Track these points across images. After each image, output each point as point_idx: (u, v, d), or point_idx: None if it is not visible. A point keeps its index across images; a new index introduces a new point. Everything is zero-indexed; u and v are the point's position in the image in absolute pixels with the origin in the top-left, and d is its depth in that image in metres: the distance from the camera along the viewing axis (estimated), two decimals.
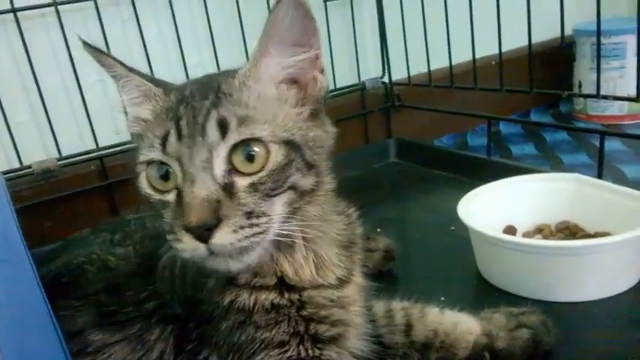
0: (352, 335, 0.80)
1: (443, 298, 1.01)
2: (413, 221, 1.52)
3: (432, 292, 1.04)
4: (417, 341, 0.89)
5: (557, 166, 1.76)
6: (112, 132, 1.55)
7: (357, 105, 2.01)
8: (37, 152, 1.52)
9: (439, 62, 1.83)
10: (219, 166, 0.67)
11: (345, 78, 1.98)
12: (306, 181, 0.72)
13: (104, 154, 1.57)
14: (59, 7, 1.45)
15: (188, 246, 0.65)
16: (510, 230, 1.22)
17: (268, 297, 0.74)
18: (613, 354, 0.89)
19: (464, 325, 0.89)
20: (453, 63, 1.75)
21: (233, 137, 0.67)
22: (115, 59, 0.76)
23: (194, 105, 0.70)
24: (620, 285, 1.02)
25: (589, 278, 1.00)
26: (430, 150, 1.95)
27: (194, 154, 0.66)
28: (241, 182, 0.67)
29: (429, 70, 1.84)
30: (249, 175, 0.67)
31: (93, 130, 1.55)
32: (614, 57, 1.96)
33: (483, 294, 1.10)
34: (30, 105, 1.51)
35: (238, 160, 0.67)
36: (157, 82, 0.78)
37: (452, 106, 1.94)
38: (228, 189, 0.66)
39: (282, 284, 0.76)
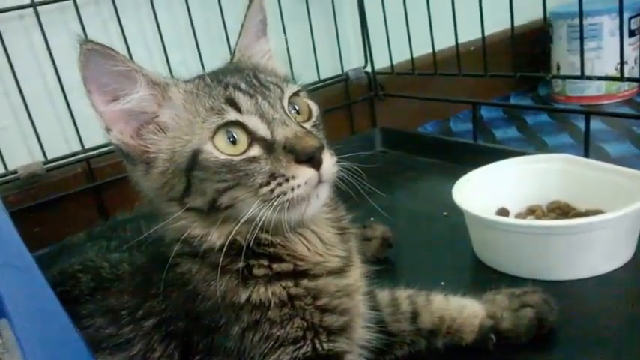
0: (358, 325, 0.81)
1: (443, 283, 1.02)
2: (405, 209, 1.53)
3: (432, 278, 1.06)
4: (424, 328, 0.90)
5: (541, 147, 1.79)
6: (98, 133, 1.53)
7: (342, 96, 2.02)
8: (23, 157, 1.50)
9: (419, 50, 1.85)
10: (290, 113, 0.76)
11: (328, 69, 1.98)
12: None
13: (90, 155, 1.55)
14: (38, 7, 1.43)
15: (303, 178, 0.70)
16: (503, 213, 1.23)
17: (286, 286, 0.74)
18: (613, 328, 0.91)
19: (469, 309, 0.91)
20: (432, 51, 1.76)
21: (288, 90, 0.77)
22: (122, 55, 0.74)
23: (241, 75, 0.77)
24: (616, 261, 1.05)
25: (588, 255, 1.02)
26: (416, 137, 1.97)
27: (274, 105, 0.74)
28: (307, 125, 0.77)
29: (412, 58, 1.84)
30: (303, 122, 0.77)
31: (78, 131, 1.53)
32: (591, 38, 1.98)
33: (482, 277, 1.12)
34: (12, 109, 1.49)
35: (292, 113, 0.77)
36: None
37: (433, 93, 1.96)
38: (304, 128, 0.75)
39: (297, 273, 0.76)
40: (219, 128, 0.72)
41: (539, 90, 2.37)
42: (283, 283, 0.75)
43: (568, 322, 0.92)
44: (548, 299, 0.91)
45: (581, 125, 1.79)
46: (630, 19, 1.97)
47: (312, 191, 0.71)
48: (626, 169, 1.11)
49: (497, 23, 1.60)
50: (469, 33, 1.70)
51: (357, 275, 0.82)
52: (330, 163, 0.72)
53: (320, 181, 0.72)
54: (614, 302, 0.98)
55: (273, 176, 0.70)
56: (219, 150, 0.71)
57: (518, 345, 0.89)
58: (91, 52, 0.70)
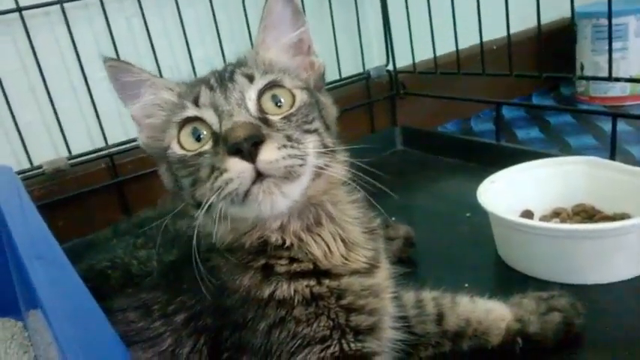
0: (386, 325, 0.80)
1: (467, 285, 1.02)
2: (427, 209, 1.52)
3: (455, 279, 1.05)
4: (450, 330, 0.90)
5: (565, 148, 1.77)
6: (121, 129, 1.55)
7: (363, 94, 2.01)
8: (47, 152, 1.51)
9: (441, 49, 1.83)
10: (252, 106, 0.72)
11: (350, 67, 1.97)
12: (327, 137, 0.76)
13: (114, 151, 1.56)
14: (64, 4, 1.44)
15: (234, 171, 0.66)
16: (528, 215, 1.22)
17: (308, 285, 0.74)
18: None
19: (495, 312, 0.90)
20: (454, 49, 1.75)
21: (260, 82, 0.74)
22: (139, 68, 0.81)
23: (220, 72, 0.78)
24: None
25: (616, 259, 1.00)
26: (437, 137, 1.96)
27: (229, 96, 0.72)
28: (275, 117, 0.72)
29: (435, 57, 1.83)
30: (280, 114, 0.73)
31: (102, 127, 1.54)
32: (616, 38, 1.94)
33: (506, 279, 1.11)
34: (38, 104, 1.50)
35: (269, 105, 0.73)
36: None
37: (454, 92, 1.94)
38: (264, 120, 0.71)
39: (319, 273, 0.76)
40: (183, 125, 0.74)
41: (561, 90, 2.34)
42: (305, 282, 0.74)
43: (595, 327, 0.91)
44: (575, 303, 0.90)
45: (605, 126, 1.77)
46: None
47: (252, 186, 0.67)
48: None
49: (518, 22, 1.57)
50: (490, 32, 1.68)
51: (384, 275, 0.82)
52: (273, 155, 0.66)
53: (260, 175, 0.67)
54: None
55: (212, 169, 0.69)
56: (180, 144, 0.74)
57: (545, 349, 0.88)
58: (111, 67, 0.80)
